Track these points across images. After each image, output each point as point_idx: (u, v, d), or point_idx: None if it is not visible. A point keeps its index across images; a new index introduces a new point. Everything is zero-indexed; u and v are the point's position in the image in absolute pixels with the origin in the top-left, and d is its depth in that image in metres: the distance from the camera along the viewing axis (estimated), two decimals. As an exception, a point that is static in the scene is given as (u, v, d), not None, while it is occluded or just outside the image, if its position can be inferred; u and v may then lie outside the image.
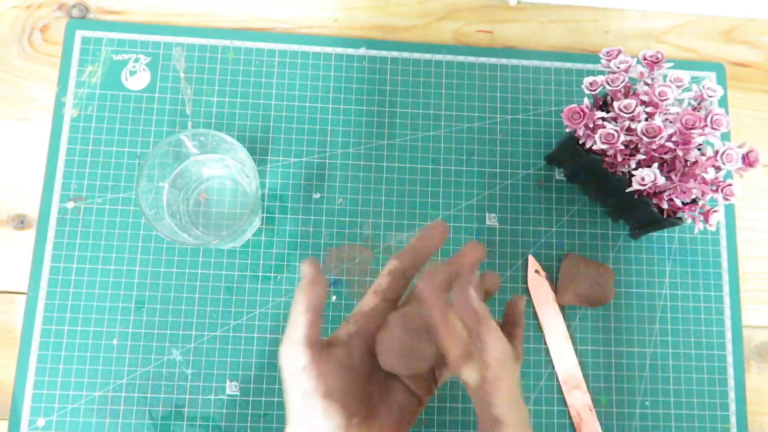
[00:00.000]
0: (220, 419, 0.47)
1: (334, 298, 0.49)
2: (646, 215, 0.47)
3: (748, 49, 0.58)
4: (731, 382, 0.50)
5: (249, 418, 0.47)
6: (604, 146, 0.43)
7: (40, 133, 0.51)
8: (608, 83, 0.44)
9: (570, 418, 0.49)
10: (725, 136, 0.55)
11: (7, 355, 0.48)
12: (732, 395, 0.50)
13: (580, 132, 0.45)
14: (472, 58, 0.54)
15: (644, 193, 0.46)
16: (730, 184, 0.42)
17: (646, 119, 0.43)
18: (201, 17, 0.54)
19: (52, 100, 0.52)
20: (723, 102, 0.56)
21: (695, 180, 0.43)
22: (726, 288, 0.52)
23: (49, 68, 0.52)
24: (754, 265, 0.53)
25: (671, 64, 0.45)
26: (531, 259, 0.51)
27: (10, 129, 0.52)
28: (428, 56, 0.54)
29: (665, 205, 0.45)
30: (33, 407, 0.46)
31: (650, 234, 0.52)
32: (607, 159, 0.46)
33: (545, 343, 0.50)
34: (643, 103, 0.44)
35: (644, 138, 0.42)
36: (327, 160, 0.52)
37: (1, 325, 0.49)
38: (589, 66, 0.55)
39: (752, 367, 0.52)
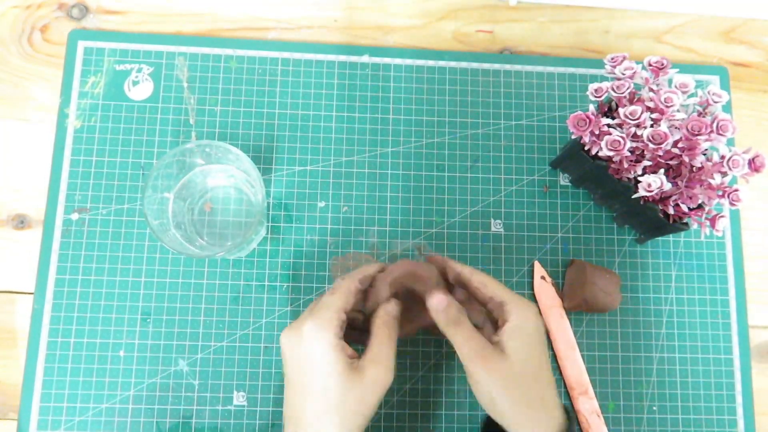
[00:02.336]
0: (228, 430, 0.47)
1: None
2: (652, 221, 0.47)
3: (748, 49, 0.58)
4: (738, 387, 0.50)
5: (257, 429, 0.47)
6: (611, 153, 0.43)
7: (40, 133, 0.51)
8: (613, 90, 0.44)
9: (578, 424, 0.48)
10: (730, 143, 0.55)
11: (7, 355, 0.48)
12: (739, 399, 0.50)
13: (586, 139, 0.45)
14: (475, 65, 0.54)
15: (650, 199, 0.46)
16: (736, 190, 0.42)
17: (652, 125, 0.43)
18: (201, 17, 0.54)
19: (52, 100, 0.52)
20: (726, 107, 0.56)
21: (701, 185, 0.43)
22: (732, 292, 0.52)
23: (49, 68, 0.52)
24: (755, 265, 0.53)
25: (676, 70, 0.45)
26: (537, 265, 0.51)
27: (10, 129, 0.51)
28: (431, 63, 0.54)
29: (671, 211, 0.45)
30: (40, 420, 0.46)
31: (656, 239, 0.52)
32: (612, 165, 0.46)
33: (552, 350, 0.50)
34: (648, 109, 0.44)
35: (650, 144, 0.42)
36: (331, 168, 0.52)
37: (2, 324, 0.49)
38: (593, 71, 0.55)
39: (753, 367, 0.51)
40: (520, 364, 0.37)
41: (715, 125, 0.42)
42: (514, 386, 0.37)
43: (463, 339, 0.38)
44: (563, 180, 0.53)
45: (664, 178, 0.42)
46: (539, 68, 0.55)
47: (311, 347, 0.38)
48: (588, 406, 0.48)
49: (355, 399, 0.37)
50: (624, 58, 0.45)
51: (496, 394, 0.37)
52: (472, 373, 0.38)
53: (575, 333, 0.50)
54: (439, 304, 0.40)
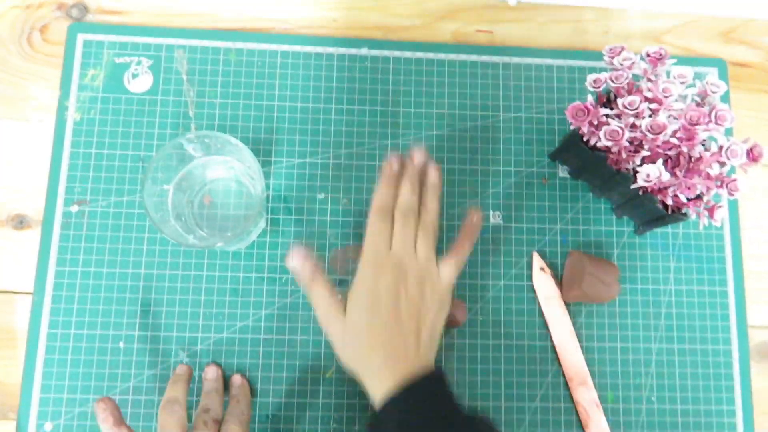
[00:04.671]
0: (228, 421, 0.47)
1: (339, 297, 0.49)
2: (650, 211, 0.47)
3: (748, 49, 0.58)
4: (737, 376, 0.50)
5: (257, 419, 0.47)
6: (609, 143, 0.43)
7: (39, 133, 0.51)
8: (612, 80, 0.44)
9: (577, 414, 0.49)
10: (728, 133, 0.55)
11: (7, 355, 0.48)
12: (738, 389, 0.50)
13: (585, 129, 0.45)
14: (474, 57, 0.54)
15: (649, 190, 0.46)
16: (734, 180, 0.42)
17: (650, 116, 0.43)
18: (200, 17, 0.54)
19: (52, 100, 0.52)
20: (725, 99, 0.56)
21: (700, 176, 0.43)
22: (730, 283, 0.52)
23: (48, 68, 0.52)
24: (755, 265, 0.53)
25: (674, 61, 0.45)
26: (536, 256, 0.51)
27: (9, 129, 0.51)
28: (430, 55, 0.54)
29: (670, 201, 0.46)
30: (40, 411, 0.46)
31: (654, 230, 0.52)
32: (611, 156, 0.46)
33: (551, 340, 0.50)
34: (646, 99, 0.44)
35: (649, 135, 0.42)
36: (331, 161, 0.52)
37: (2, 325, 0.49)
38: (592, 63, 0.55)
39: (751, 366, 0.51)
40: (350, 326, 0.40)
41: (713, 115, 0.42)
42: (344, 346, 0.41)
43: (317, 298, 0.42)
44: (562, 172, 0.53)
45: (662, 168, 0.42)
46: (538, 60, 0.55)
47: None
48: (587, 396, 0.48)
49: None
50: (622, 48, 0.45)
51: (337, 352, 0.41)
52: (324, 333, 0.42)
53: (574, 324, 0.50)
54: (295, 263, 0.42)
